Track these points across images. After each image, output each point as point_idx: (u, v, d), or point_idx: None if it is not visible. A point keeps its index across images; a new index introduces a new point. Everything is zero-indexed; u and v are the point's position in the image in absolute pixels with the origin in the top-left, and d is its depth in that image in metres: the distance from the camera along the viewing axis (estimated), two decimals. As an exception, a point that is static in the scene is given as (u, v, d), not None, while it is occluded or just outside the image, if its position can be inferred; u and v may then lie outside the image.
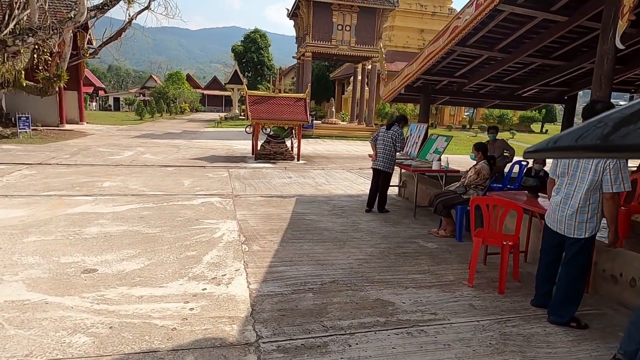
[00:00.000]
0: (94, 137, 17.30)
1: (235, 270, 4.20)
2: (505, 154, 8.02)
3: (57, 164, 10.05)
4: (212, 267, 4.26)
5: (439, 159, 6.81)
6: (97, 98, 56.44)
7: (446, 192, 5.73)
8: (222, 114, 35.83)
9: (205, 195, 7.52)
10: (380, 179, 7.07)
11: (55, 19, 14.45)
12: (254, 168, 11.03)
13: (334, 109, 25.70)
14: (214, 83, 65.34)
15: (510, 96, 8.43)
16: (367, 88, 24.63)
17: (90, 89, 45.94)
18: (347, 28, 21.96)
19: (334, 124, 23.98)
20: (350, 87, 31.87)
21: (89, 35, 19.40)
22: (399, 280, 4.16)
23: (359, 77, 26.16)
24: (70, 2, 16.66)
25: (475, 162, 5.59)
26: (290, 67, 55.70)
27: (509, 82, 7.93)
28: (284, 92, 13.52)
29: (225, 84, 33.80)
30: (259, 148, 12.51)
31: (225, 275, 4.08)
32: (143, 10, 17.75)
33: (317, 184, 9.12)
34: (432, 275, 4.35)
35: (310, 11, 21.35)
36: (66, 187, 7.62)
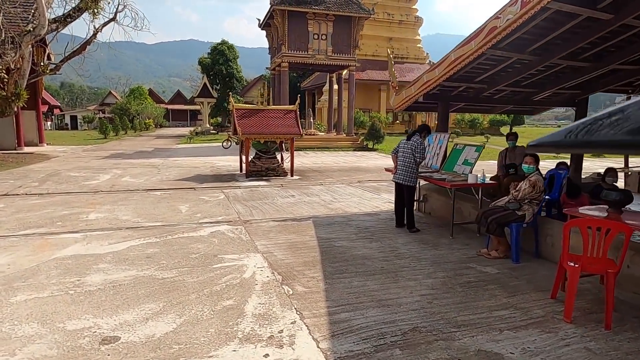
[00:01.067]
0: (59, 159, 15.84)
1: (292, 324, 3.44)
2: (525, 161, 7.62)
3: (27, 194, 8.84)
4: (261, 320, 3.48)
5: (471, 171, 6.29)
6: (53, 117, 53.37)
7: (495, 209, 5.19)
8: (191, 129, 34.47)
9: (211, 223, 6.66)
10: (404, 194, 6.49)
11: (13, 33, 13.11)
12: (249, 187, 10.19)
13: (312, 120, 25.10)
14: (178, 97, 63.47)
15: (525, 101, 8.11)
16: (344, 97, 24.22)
17: (45, 108, 43.29)
18: (323, 37, 21.52)
19: (313, 134, 23.38)
20: (324, 97, 31.47)
21: (48, 49, 17.93)
22: (486, 321, 3.53)
23: (335, 86, 25.75)
24: (29, 15, 15.27)
25: (527, 173, 5.08)
26: (256, 78, 54.92)
27: (527, 86, 7.58)
28: (259, 105, 12.75)
29: (194, 97, 32.53)
30: (250, 165, 11.67)
31: (282, 331, 3.31)
32: (109, 22, 16.57)
33: (325, 202, 8.42)
34: (517, 310, 3.75)
35: (285, 20, 20.76)
36: (45, 222, 6.55)
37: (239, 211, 7.52)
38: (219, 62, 33.73)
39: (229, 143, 21.36)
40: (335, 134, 24.53)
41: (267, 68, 31.23)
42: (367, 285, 4.26)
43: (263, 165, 11.84)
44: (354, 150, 21.45)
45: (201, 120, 59.52)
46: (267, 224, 6.66)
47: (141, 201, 8.27)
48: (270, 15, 21.88)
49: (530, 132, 41.09)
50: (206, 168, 13.68)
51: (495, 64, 6.58)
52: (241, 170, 12.69)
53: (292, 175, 11.92)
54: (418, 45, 38.54)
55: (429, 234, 6.27)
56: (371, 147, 22.06)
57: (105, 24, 16.68)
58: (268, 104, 12.42)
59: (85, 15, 15.70)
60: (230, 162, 15.65)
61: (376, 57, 36.35)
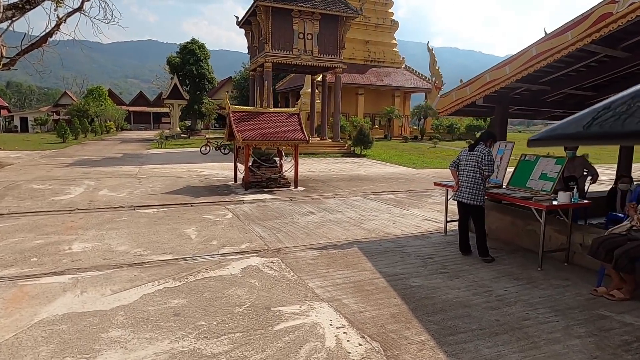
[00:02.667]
0: (15, 168, 13.71)
1: None
2: (584, 173, 6.76)
3: (-18, 215, 7.07)
4: None
5: (554, 188, 5.28)
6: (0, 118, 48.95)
7: (615, 237, 4.18)
8: (157, 132, 32.21)
9: (236, 254, 5.29)
10: (470, 215, 5.41)
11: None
12: (254, 202, 8.81)
13: (295, 124, 23.79)
14: (140, 99, 60.21)
15: (579, 105, 7.26)
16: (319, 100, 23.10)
17: (-8, 108, 39.46)
18: (309, 37, 20.33)
19: (297, 139, 22.03)
20: (304, 100, 30.27)
21: (0, 41, 15.69)
22: None
23: (317, 89, 24.61)
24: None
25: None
26: (224, 80, 52.89)
27: (588, 88, 6.72)
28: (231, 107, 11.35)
29: (164, 98, 30.36)
30: (249, 174, 10.25)
31: None
32: (75, 11, 14.63)
33: (356, 221, 7.21)
34: None
35: (268, 18, 19.41)
36: (15, 259, 4.95)
37: (262, 235, 6.17)
38: (190, 61, 31.69)
39: (208, 148, 19.69)
40: (318, 139, 23.33)
41: (245, 68, 29.69)
42: (504, 354, 3.09)
43: (263, 175, 10.47)
44: (342, 156, 20.34)
45: (167, 123, 56.72)
46: (305, 254, 5.36)
47: (133, 223, 6.73)
48: (252, 12, 20.45)
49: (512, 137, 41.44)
50: (192, 178, 12.10)
51: (572, 62, 5.63)
52: (235, 180, 11.25)
53: (296, 187, 10.61)
54: (394, 49, 38.12)
55: (507, 263, 5.19)
56: (359, 152, 21.04)
57: (70, 14, 14.73)
58: (267, 106, 11.07)
59: (47, 4, 13.73)
60: (216, 169, 14.12)
61: (353, 60, 35.52)
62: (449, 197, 5.95)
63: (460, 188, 5.41)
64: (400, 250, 5.63)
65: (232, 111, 10.35)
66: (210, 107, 30.49)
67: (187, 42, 33.54)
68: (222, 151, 19.76)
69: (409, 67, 38.29)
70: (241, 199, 9.00)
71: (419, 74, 37.57)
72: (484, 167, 5.19)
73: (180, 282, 4.33)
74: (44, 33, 14.68)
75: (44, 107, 57.69)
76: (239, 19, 23.27)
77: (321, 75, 24.19)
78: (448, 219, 6.46)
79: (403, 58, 38.38)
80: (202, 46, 33.58)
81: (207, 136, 20.49)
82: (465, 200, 5.33)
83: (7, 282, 4.23)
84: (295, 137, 10.46)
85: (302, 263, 5.01)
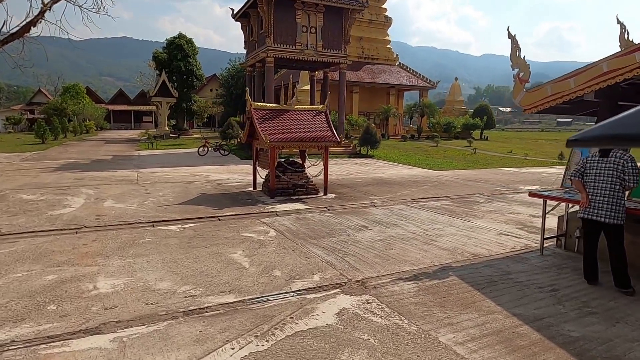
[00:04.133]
0: (-5, 173, 12.10)
1: None
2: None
3: (-33, 238, 5.67)
4: None
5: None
6: (-32, 118, 45.87)
7: None
8: (142, 132, 30.37)
9: (315, 290, 4.13)
10: (606, 236, 4.37)
11: None
12: (289, 213, 7.63)
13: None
14: (120, 97, 57.68)
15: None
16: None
17: (-40, 107, 36.76)
18: (313, 30, 19.16)
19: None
20: (297, 98, 29.08)
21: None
22: None
23: (315, 85, 23.47)
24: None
25: None
26: (208, 78, 51.05)
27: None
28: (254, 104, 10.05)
29: (150, 96, 28.59)
30: (274, 181, 9.03)
31: None
32: (61, -2, 13.05)
33: (423, 238, 6.13)
34: None
35: (270, 9, 18.13)
36: (27, 308, 3.66)
37: (329, 261, 5.02)
38: (177, 57, 29.94)
39: (206, 149, 18.29)
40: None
41: (241, 64, 28.20)
42: None
43: (290, 180, 9.28)
44: (349, 157, 19.25)
45: (149, 122, 54.47)
46: (400, 288, 4.24)
47: (163, 246, 5.46)
48: (251, 3, 19.13)
49: (508, 135, 40.93)
50: (203, 183, 10.80)
51: None
52: (254, 186, 10.02)
53: (325, 193, 9.46)
54: (387, 46, 37.26)
55: (651, 295, 4.19)
56: (365, 153, 20.00)
57: (55, 0, 13.14)
58: (292, 103, 9.85)
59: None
60: (223, 173, 12.83)
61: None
62: (578, 214, 4.82)
63: (593, 203, 4.36)
64: (509, 278, 4.57)
65: (255, 109, 9.12)
66: (203, 105, 28.90)
67: (173, 37, 31.77)
68: (222, 152, 18.41)
69: (403, 65, 37.50)
70: (273, 210, 7.80)
71: (413, 71, 36.81)
72: (627, 177, 4.18)
73: (268, 341, 3.15)
74: (24, 22, 13.06)
75: (15, 106, 54.63)
76: (235, 12, 21.88)
77: (322, 72, 23.08)
78: (545, 236, 5.45)
79: (397, 55, 37.56)
80: (190, 41, 31.88)
81: (202, 136, 19.06)
82: (601, 219, 4.29)
83: (22, 351, 2.97)
84: (325, 137, 9.30)
85: (407, 303, 3.89)
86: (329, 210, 8.00)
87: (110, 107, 53.83)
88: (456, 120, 34.33)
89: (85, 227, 6.37)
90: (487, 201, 9.18)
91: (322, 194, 9.45)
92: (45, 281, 4.22)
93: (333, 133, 9.42)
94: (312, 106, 10.43)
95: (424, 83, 35.96)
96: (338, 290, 4.16)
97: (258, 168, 9.91)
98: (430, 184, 11.63)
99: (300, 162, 9.73)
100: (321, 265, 4.85)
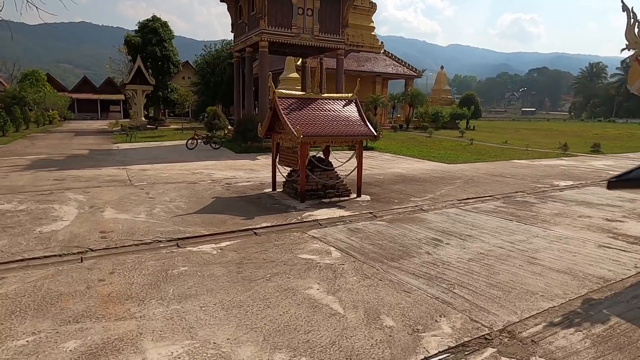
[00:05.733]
0: (-46, 174, 10.18)
1: None
2: None
3: None
4: None
5: None
6: None
7: None
8: (112, 122, 28.13)
9: (460, 353, 2.95)
10: None
11: None
12: (334, 222, 6.41)
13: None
14: (84, 85, 54.04)
15: None
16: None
17: None
18: (309, 12, 17.73)
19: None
20: (280, 87, 27.57)
21: None
22: None
23: (310, 72, 22.06)
24: None
25: None
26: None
27: None
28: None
29: (124, 84, 26.28)
30: (304, 182, 7.74)
31: None
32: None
33: (520, 254, 5.05)
34: None
35: (264, -12, 16.56)
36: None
37: (437, 296, 3.85)
38: (152, 42, 27.67)
39: (195, 142, 16.65)
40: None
41: (229, 47, 26.23)
42: None
43: (319, 180, 8.02)
44: (350, 149, 18.05)
45: (117, 112, 51.29)
46: (566, 341, 3.13)
47: (208, 278, 4.13)
48: (241, -19, 17.46)
49: (488, 125, 40.53)
50: (209, 183, 9.37)
51: None
52: (274, 187, 8.70)
53: (359, 195, 8.27)
54: (372, 33, 36.06)
55: None
56: (365, 145, 18.85)
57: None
58: (320, 91, 8.46)
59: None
60: (225, 170, 11.41)
61: (331, 43, 33.05)
62: None
63: None
64: (685, 317, 3.55)
65: (279, 97, 7.76)
66: (185, 94, 26.86)
67: (147, 20, 29.42)
68: (212, 146, 16.82)
69: (388, 52, 36.46)
70: (312, 218, 6.55)
71: (398, 59, 35.84)
72: None
73: None
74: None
75: (-34, 94, 50.08)
76: (221, -9, 20.08)
77: (300, 60, 21.80)
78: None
79: (382, 43, 36.45)
80: (165, 24, 29.60)
81: (182, 126, 17.36)
82: None
83: None
84: (360, 131, 8.08)
85: (599, 369, 2.78)
86: (376, 217, 6.82)
87: (75, 95, 50.31)
88: (444, 109, 33.73)
89: (92, 250, 4.93)
90: (540, 201, 8.25)
91: (355, 196, 8.25)
92: (66, 354, 2.84)
93: (367, 126, 8.20)
94: (340, 94, 9.13)
95: (410, 72, 35.09)
96: (492, 350, 3.00)
97: (278, 166, 8.59)
98: (459, 180, 10.63)
99: (328, 159, 8.47)
100: (434, 305, 3.68)
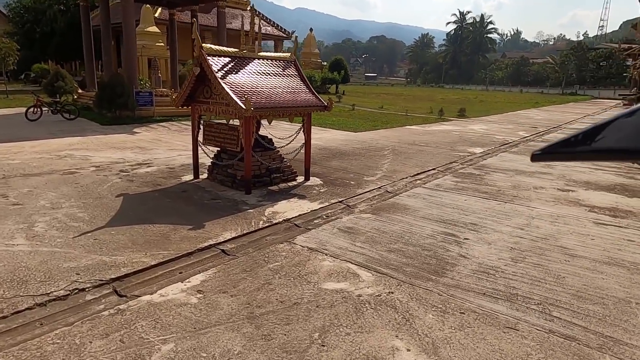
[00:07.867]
0: None
1: None
2: None
3: None
4: None
5: None
6: None
7: None
8: None
9: None
10: None
11: None
12: (312, 221, 5.00)
13: (160, 75, 17.67)
14: None
15: None
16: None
17: None
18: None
19: (165, 96, 16.48)
20: (158, 43, 23.43)
21: None
22: None
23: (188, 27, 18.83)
24: None
25: None
26: None
27: None
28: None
29: None
30: (247, 168, 5.99)
31: None
32: None
33: (551, 246, 4.50)
34: None
35: None
36: None
37: (551, 328, 2.93)
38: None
39: (39, 112, 12.60)
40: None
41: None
42: None
43: (263, 163, 6.37)
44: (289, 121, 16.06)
45: None
46: None
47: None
48: None
49: (354, 90, 41.21)
50: (94, 172, 6.79)
51: None
52: (197, 174, 6.70)
53: (307, 178, 6.90)
54: (237, -14, 33.00)
55: None
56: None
57: None
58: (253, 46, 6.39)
59: None
60: (102, 149, 8.69)
61: (192, -5, 29.09)
62: None
63: None
64: None
65: (209, 54, 5.72)
66: (7, 47, 20.24)
67: None
68: (65, 116, 13.00)
69: (256, 10, 33.88)
70: (280, 217, 5.02)
71: (267, 19, 33.69)
72: None
73: None
74: None
75: None
76: None
77: (159, 10, 18.63)
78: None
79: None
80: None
81: (35, 94, 13.00)
82: None
83: None
84: (309, 101, 6.60)
85: None
86: (350, 207, 5.63)
87: None
88: (316, 74, 33.26)
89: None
90: (483, 172, 8.10)
91: (304, 179, 6.87)
92: None
93: (315, 94, 6.76)
94: (277, 54, 7.35)
95: (280, 33, 33.46)
96: None
97: (206, 147, 6.59)
98: (386, 151, 10.02)
99: (267, 136, 6.81)
100: (566, 347, 2.74)
